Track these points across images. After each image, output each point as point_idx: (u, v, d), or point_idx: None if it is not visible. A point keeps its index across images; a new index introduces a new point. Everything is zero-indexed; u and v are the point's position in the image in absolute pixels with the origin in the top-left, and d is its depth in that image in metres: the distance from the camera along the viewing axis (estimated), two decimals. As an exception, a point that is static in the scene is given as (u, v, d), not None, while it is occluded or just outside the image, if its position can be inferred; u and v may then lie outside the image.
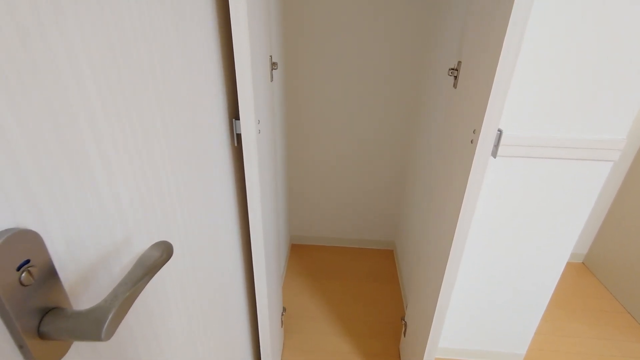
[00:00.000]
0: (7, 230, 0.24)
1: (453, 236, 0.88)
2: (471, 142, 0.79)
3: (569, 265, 2.11)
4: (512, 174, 1.07)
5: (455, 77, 0.97)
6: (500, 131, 0.77)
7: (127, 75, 0.39)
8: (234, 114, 0.82)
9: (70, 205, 0.31)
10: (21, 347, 0.26)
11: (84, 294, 0.34)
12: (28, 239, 0.26)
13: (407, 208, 1.86)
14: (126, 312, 0.30)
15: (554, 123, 0.98)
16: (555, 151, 1.01)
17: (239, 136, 0.82)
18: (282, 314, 1.49)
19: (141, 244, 0.44)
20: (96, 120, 0.34)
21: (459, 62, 0.94)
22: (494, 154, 0.79)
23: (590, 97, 0.94)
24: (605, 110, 0.96)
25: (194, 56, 0.58)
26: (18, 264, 0.25)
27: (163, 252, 0.38)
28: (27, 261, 0.26)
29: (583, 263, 2.13)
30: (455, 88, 0.96)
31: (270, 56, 0.99)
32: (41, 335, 0.27)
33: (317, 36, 1.58)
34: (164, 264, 0.38)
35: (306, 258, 2.08)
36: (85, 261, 0.33)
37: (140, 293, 0.34)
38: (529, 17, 0.71)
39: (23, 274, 0.25)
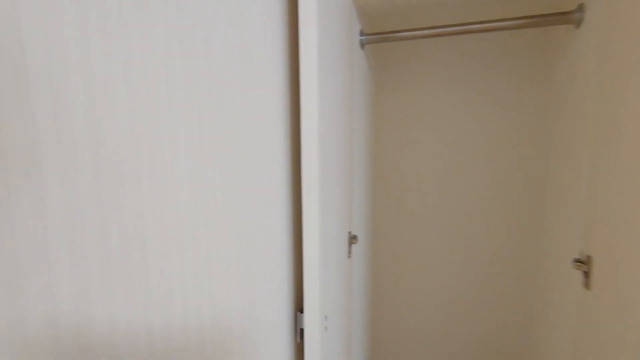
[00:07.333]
0: None
1: None
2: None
3: None
4: None
5: (586, 273, 0.74)
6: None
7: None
8: (299, 305, 0.71)
9: None
10: None
11: None
12: None
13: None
14: None
15: None
16: None
17: (302, 331, 0.70)
18: None
19: None
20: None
21: (589, 257, 0.73)
22: None
23: None
24: None
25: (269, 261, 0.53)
26: None
27: None
28: None
29: None
30: (589, 290, 0.72)
31: (349, 232, 0.92)
32: None
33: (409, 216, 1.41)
34: None
35: None
36: None
37: None
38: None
39: None
